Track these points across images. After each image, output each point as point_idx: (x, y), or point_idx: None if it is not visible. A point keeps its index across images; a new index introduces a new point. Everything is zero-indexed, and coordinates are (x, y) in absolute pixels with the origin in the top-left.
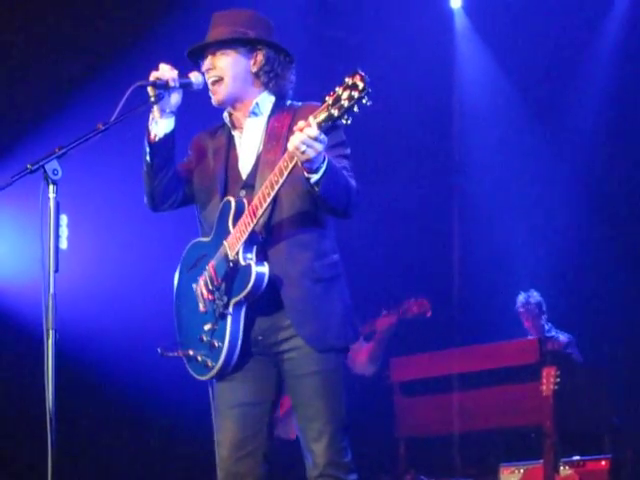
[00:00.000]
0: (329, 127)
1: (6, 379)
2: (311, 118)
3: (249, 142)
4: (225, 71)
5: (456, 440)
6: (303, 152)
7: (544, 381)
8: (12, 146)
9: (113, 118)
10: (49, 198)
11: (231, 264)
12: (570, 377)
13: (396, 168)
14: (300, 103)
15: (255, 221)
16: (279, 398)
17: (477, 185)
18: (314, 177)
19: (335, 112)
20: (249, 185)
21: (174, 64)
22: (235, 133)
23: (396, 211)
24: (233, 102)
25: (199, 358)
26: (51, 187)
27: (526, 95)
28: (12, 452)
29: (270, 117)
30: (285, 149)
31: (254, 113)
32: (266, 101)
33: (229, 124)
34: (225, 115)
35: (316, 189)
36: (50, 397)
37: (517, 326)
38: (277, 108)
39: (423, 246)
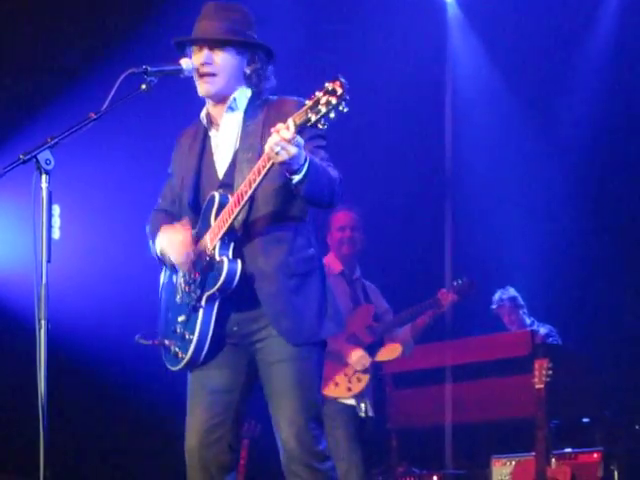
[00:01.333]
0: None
1: None
2: (290, 120)
3: (225, 139)
4: (222, 68)
5: (448, 432)
6: (277, 153)
7: (536, 373)
8: (4, 137)
9: (105, 107)
10: (41, 188)
11: (207, 258)
12: (562, 369)
13: (388, 163)
14: (275, 97)
15: (231, 218)
16: (250, 389)
17: (470, 179)
18: (296, 178)
19: (312, 117)
20: (226, 184)
21: (164, 52)
22: (211, 132)
23: (389, 207)
24: (219, 97)
25: (172, 349)
26: (43, 177)
27: (519, 88)
28: (4, 442)
29: (245, 112)
30: (261, 147)
31: (231, 108)
32: (242, 96)
33: (205, 121)
34: (203, 113)
35: (299, 189)
36: (42, 387)
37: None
38: (252, 103)
39: (416, 241)
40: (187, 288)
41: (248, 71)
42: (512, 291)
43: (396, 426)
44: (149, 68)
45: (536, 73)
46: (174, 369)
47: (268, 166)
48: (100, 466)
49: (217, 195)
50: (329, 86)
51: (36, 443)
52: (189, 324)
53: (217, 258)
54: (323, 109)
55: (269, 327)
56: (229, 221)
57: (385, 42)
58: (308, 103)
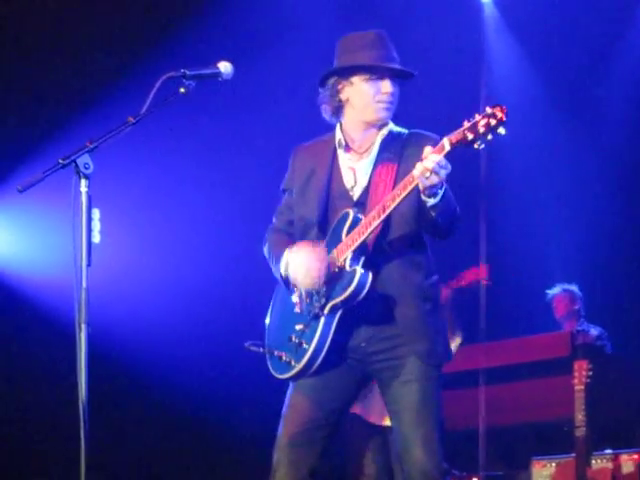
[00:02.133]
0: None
1: (39, 374)
2: (445, 140)
3: (364, 162)
4: (396, 100)
5: (488, 434)
6: (428, 177)
7: (576, 374)
8: (44, 141)
9: (143, 110)
10: (81, 192)
11: (336, 269)
12: (602, 370)
13: None
14: (407, 131)
15: (368, 231)
16: (351, 405)
17: (506, 176)
18: (431, 201)
19: (470, 136)
20: (360, 203)
21: (201, 57)
22: (340, 151)
23: None
24: (380, 125)
25: (283, 357)
26: (83, 181)
27: (556, 88)
28: (45, 447)
29: (382, 141)
30: (395, 175)
31: (383, 137)
32: None
33: (337, 142)
34: (338, 132)
35: (432, 213)
36: (83, 392)
37: (548, 319)
38: (388, 134)
39: (453, 237)
40: (308, 299)
41: (467, 124)
42: (573, 286)
43: None
44: (187, 72)
45: (573, 72)
46: (282, 377)
47: (410, 188)
48: (141, 471)
49: (351, 212)
50: (490, 110)
51: (77, 448)
52: (307, 333)
53: (347, 268)
54: (482, 130)
55: (403, 347)
56: (365, 234)
57: (421, 44)
58: (466, 124)
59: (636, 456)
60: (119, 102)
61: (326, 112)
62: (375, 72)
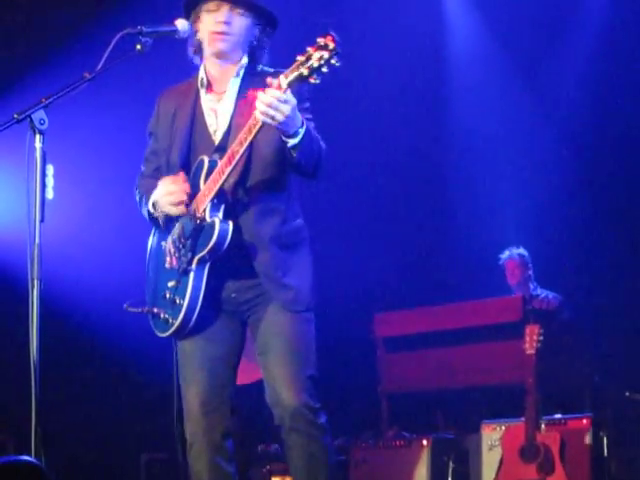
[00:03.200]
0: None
1: None
2: (281, 77)
3: (225, 104)
4: (239, 31)
5: (439, 397)
6: (272, 117)
7: (527, 339)
8: None
9: (99, 67)
10: (35, 148)
11: (197, 221)
12: (552, 335)
13: (388, 127)
14: (272, 69)
15: (222, 179)
16: (242, 353)
17: (464, 142)
18: (291, 141)
19: (305, 71)
20: (222, 147)
21: (159, 12)
22: (205, 94)
23: (385, 164)
24: (227, 58)
25: (162, 315)
26: (37, 137)
27: (513, 51)
28: None
29: (242, 80)
30: None
31: (237, 74)
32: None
33: (200, 82)
34: (201, 73)
35: (293, 154)
36: (34, 347)
37: (501, 284)
38: (249, 72)
39: (408, 200)
40: (177, 253)
41: (255, 42)
42: (523, 250)
43: (387, 390)
44: (144, 29)
45: (531, 39)
46: (163, 335)
47: (259, 125)
48: (89, 425)
49: (206, 159)
50: (321, 41)
51: (28, 403)
52: (179, 289)
53: (208, 219)
54: (315, 63)
55: (266, 294)
56: (219, 182)
57: (382, 15)
58: (300, 58)
59: (585, 421)
60: (75, 58)
61: (190, 52)
62: (212, 3)
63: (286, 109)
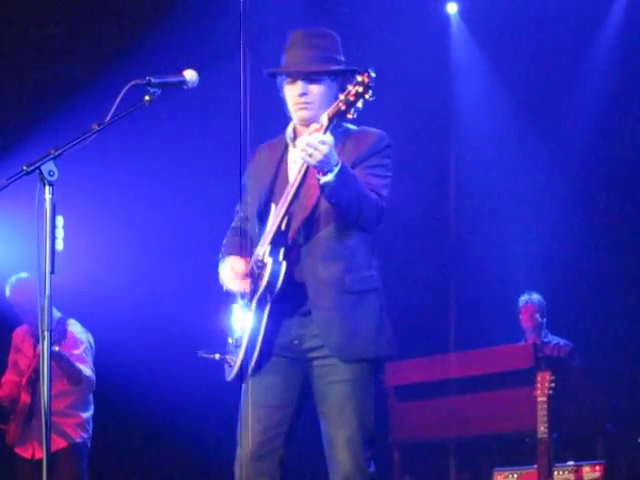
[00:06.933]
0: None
1: None
2: (323, 115)
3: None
4: (318, 97)
5: (450, 445)
6: (310, 155)
7: (539, 386)
8: (8, 148)
9: (108, 118)
10: (45, 199)
11: (259, 264)
12: (564, 382)
13: (396, 176)
14: (356, 128)
15: (278, 221)
16: (304, 405)
17: (473, 187)
18: (323, 179)
19: (342, 107)
20: (296, 197)
21: (168, 64)
22: (290, 146)
23: (394, 212)
24: (313, 122)
25: (229, 360)
26: (47, 188)
27: (522, 99)
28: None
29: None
30: None
31: None
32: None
33: (289, 139)
34: (289, 128)
35: (325, 192)
36: (46, 397)
37: (513, 330)
38: (334, 129)
39: (418, 248)
40: (242, 301)
41: (341, 96)
42: (541, 297)
43: (398, 439)
44: (152, 79)
45: (539, 83)
46: (229, 379)
47: (304, 169)
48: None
49: (274, 206)
50: (359, 78)
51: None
52: (242, 332)
53: (265, 261)
54: (352, 98)
55: (327, 344)
56: (276, 224)
57: (389, 55)
58: (341, 96)
59: (598, 468)
60: (84, 110)
61: (286, 108)
62: (288, 75)
63: (324, 149)
